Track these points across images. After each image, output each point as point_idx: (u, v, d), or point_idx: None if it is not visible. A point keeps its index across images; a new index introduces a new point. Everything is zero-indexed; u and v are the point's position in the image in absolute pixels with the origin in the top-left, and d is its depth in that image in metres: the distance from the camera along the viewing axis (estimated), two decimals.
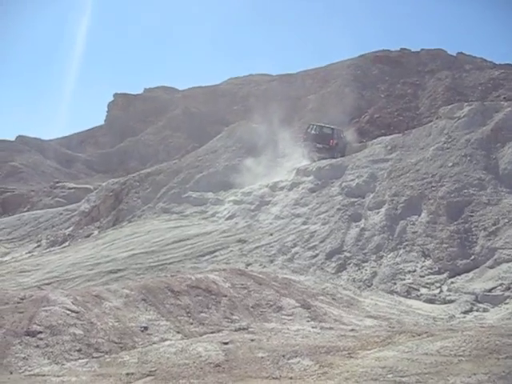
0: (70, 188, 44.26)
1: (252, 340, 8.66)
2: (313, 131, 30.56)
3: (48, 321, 8.51)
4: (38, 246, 27.80)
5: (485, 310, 13.81)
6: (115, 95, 79.26)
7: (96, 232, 26.59)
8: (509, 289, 14.26)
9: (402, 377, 6.40)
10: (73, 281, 16.85)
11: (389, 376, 6.46)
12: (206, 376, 7.01)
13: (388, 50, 62.99)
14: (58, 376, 7.04)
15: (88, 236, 26.26)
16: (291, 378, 6.81)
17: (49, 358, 7.64)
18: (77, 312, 9.12)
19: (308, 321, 11.43)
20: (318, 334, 9.58)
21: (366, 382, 6.37)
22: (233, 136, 31.99)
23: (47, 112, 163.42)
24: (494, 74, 52.70)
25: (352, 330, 10.03)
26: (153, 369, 7.29)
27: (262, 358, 7.62)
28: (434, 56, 59.21)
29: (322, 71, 63.54)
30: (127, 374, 7.08)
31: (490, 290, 14.46)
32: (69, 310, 9.13)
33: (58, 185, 45.89)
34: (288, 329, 10.04)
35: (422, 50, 61.78)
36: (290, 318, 11.49)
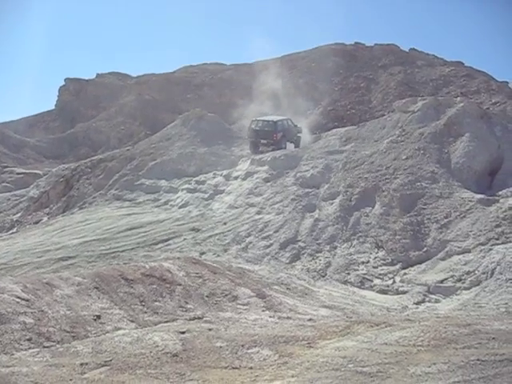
0: (18, 173, 42.94)
1: (209, 329, 8.52)
2: (257, 127, 28.89)
3: None
4: None
5: (437, 301, 14.06)
6: (66, 80, 77.08)
7: (45, 218, 25.96)
8: (460, 280, 14.57)
9: (362, 367, 6.39)
10: (21, 268, 16.36)
11: (349, 366, 6.44)
12: (164, 366, 6.85)
13: (343, 44, 63.24)
14: (8, 366, 6.75)
15: (37, 222, 25.62)
16: (251, 368, 6.71)
17: None
18: (27, 300, 8.83)
19: (263, 310, 11.40)
20: (276, 323, 9.52)
21: (327, 371, 6.32)
22: (187, 124, 31.58)
23: None
24: (444, 71, 53.54)
25: (310, 319, 10.01)
26: (108, 359, 7.07)
27: (221, 347, 7.49)
28: (386, 51, 59.73)
29: (278, 62, 63.44)
30: (81, 364, 6.84)
31: (441, 282, 14.74)
32: (18, 297, 8.83)
33: (5, 170, 44.51)
34: (246, 318, 9.95)
35: (376, 44, 62.22)
36: (246, 307, 11.43)
